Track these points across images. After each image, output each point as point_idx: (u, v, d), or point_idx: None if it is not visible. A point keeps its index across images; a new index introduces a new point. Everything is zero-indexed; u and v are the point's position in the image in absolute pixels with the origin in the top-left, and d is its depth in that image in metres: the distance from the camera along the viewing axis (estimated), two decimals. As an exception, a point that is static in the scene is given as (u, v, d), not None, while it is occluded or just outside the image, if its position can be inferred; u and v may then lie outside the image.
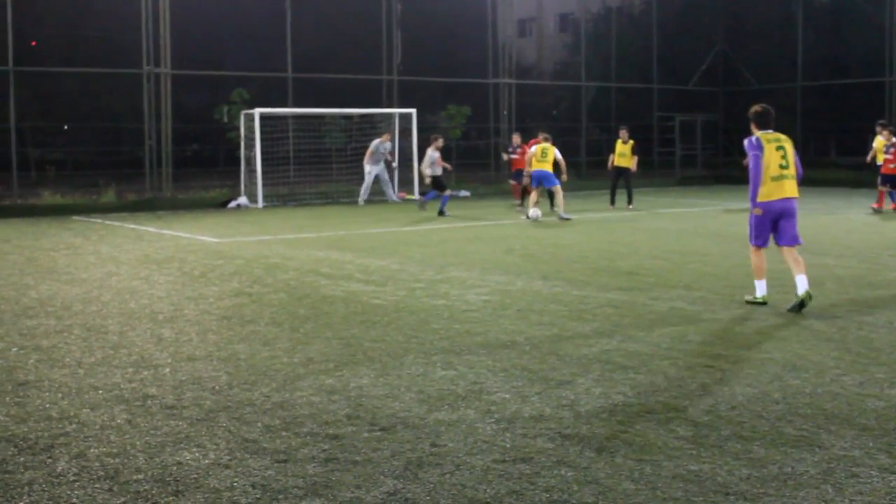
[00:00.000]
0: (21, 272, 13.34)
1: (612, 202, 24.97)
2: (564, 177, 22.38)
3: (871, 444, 5.59)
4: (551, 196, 22.25)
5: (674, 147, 39.62)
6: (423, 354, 7.96)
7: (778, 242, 10.20)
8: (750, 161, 9.95)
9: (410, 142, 29.22)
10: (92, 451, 5.59)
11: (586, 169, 36.96)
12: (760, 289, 10.31)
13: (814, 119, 38.52)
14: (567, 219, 20.81)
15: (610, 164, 25.48)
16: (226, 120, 28.21)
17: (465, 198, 30.07)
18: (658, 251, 15.28)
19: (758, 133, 10.09)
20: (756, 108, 10.32)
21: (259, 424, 6.06)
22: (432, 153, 23.37)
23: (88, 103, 33.88)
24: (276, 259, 14.44)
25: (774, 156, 10.00)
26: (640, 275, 12.59)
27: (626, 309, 10.04)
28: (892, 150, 21.65)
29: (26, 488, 5.01)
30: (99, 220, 22.25)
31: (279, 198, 27.41)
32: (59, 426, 6.06)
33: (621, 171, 24.96)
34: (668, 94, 39.77)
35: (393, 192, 28.00)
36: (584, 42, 38.35)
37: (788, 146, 10.16)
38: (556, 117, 42.50)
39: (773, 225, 10.13)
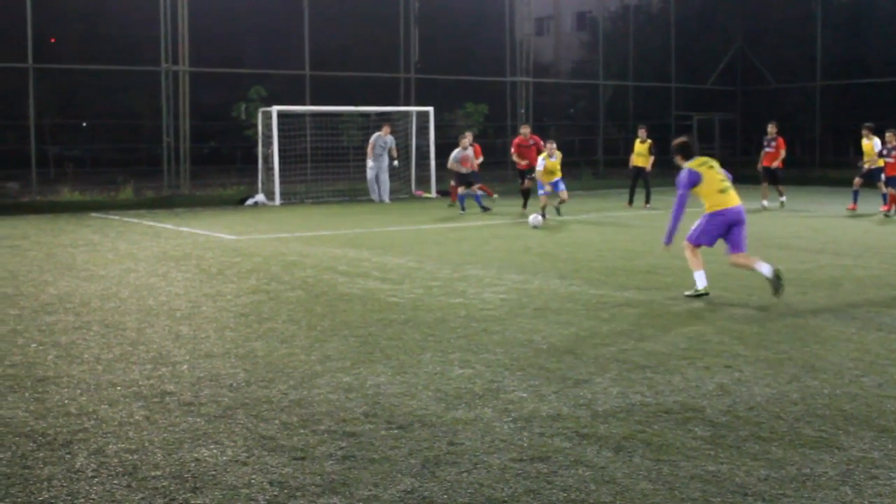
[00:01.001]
0: (40, 269, 13.40)
1: (630, 201, 24.93)
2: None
3: (890, 446, 5.56)
4: (526, 195, 22.79)
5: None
6: (441, 353, 7.96)
7: (730, 249, 10.77)
8: (677, 200, 10.78)
9: (427, 140, 29.22)
10: (110, 447, 5.61)
11: (604, 168, 36.91)
12: (701, 280, 10.79)
13: (833, 118, 38.35)
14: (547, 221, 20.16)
15: (631, 163, 25.50)
16: (243, 117, 28.28)
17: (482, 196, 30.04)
18: (676, 251, 15.20)
19: (687, 164, 10.77)
20: (678, 141, 11.09)
21: (276, 422, 6.07)
22: (457, 152, 23.48)
23: (107, 100, 34.02)
24: (294, 256, 14.46)
25: (711, 174, 10.74)
26: (658, 274, 12.57)
27: (643, 308, 10.02)
28: (894, 152, 21.23)
29: (45, 483, 5.04)
30: (117, 217, 22.33)
31: (296, 195, 27.45)
32: (78, 422, 6.09)
33: (639, 171, 24.96)
34: (685, 93, 39.65)
35: (386, 194, 27.75)
36: (601, 40, 38.25)
37: (716, 164, 10.92)
38: (574, 116, 42.45)
39: (726, 230, 10.71)
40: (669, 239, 10.94)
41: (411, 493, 4.90)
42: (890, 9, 37.57)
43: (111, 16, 31.93)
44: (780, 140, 24.21)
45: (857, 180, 22.78)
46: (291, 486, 4.98)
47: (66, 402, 6.56)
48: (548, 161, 20.90)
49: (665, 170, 34.51)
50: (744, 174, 36.15)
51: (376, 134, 27.14)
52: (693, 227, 10.97)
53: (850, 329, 8.89)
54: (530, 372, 7.30)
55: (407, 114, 30.06)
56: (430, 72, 33.58)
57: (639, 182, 25.01)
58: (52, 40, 31.58)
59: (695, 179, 10.68)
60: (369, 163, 27.04)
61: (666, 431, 5.84)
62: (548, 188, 20.88)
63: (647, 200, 24.65)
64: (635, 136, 25.50)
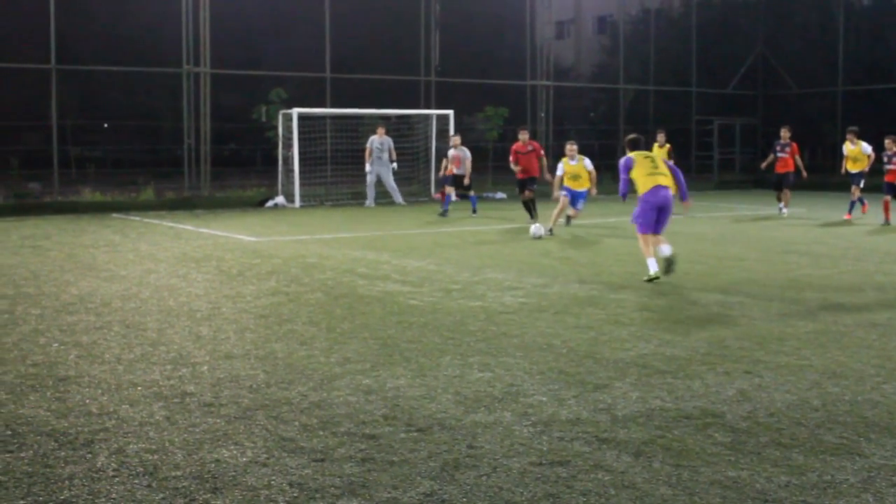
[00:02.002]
0: (61, 269, 13.47)
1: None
2: (594, 190, 19.14)
3: (912, 453, 5.53)
4: (527, 206, 20.82)
5: (712, 151, 39.41)
6: (460, 356, 7.96)
7: (655, 230, 12.43)
8: (621, 173, 12.77)
9: (447, 143, 29.22)
10: (131, 446, 5.63)
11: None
12: (653, 266, 12.22)
13: (854, 123, 38.06)
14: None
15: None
16: (264, 120, 28.35)
17: (501, 199, 30.08)
18: (695, 255, 15.20)
19: (631, 153, 12.82)
20: (629, 137, 13.41)
21: (296, 423, 6.08)
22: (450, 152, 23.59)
23: (128, 102, 34.22)
24: (313, 259, 14.49)
25: (644, 163, 12.66)
26: (678, 279, 12.52)
27: (663, 313, 9.99)
28: (895, 159, 20.50)
29: (67, 483, 5.06)
30: (138, 218, 22.43)
31: (316, 198, 27.50)
32: (99, 422, 6.12)
33: None
34: (706, 98, 39.54)
35: (398, 196, 27.70)
36: (622, 44, 38.18)
37: (657, 158, 12.93)
38: (594, 120, 42.39)
39: (657, 214, 12.36)
40: (623, 196, 13.02)
41: (430, 495, 4.90)
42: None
43: (133, 17, 32.12)
44: (794, 145, 23.48)
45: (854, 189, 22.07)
46: (311, 488, 4.99)
47: (88, 401, 6.59)
48: (567, 165, 18.61)
49: (685, 174, 34.43)
50: (764, 179, 35.87)
51: (371, 137, 27.04)
52: (634, 215, 12.58)
53: (871, 335, 8.84)
54: (549, 376, 7.29)
55: (427, 117, 30.07)
56: (451, 75, 33.61)
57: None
58: (76, 42, 31.73)
59: (629, 164, 12.64)
60: (367, 167, 26.82)
61: (686, 437, 5.82)
62: (560, 193, 18.64)
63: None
64: (654, 141, 25.42)
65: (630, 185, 12.66)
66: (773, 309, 10.29)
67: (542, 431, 5.92)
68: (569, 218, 19.62)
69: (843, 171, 22.76)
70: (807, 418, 6.20)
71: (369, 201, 27.04)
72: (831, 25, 38.03)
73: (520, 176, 21.30)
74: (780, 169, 23.55)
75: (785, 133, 23.65)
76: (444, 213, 23.13)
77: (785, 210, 23.28)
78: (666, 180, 12.56)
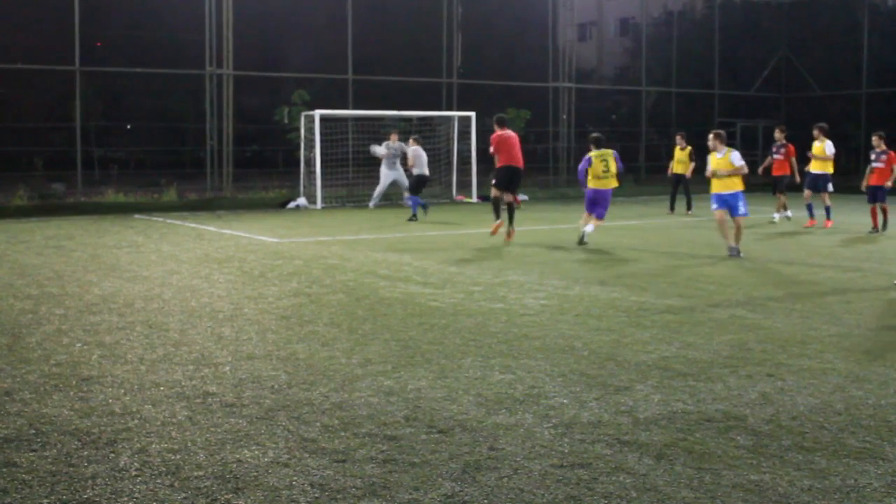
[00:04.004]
0: (85, 269, 13.55)
1: (672, 208, 24.82)
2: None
3: (936, 458, 5.49)
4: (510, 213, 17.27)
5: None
6: (481, 357, 7.96)
7: (590, 211, 17.11)
8: (580, 171, 17.20)
9: (469, 145, 29.24)
10: (153, 446, 5.66)
11: (645, 174, 36.74)
12: (588, 228, 16.83)
13: (879, 126, 37.71)
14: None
15: (670, 170, 25.35)
16: (286, 121, 28.43)
17: (522, 202, 30.05)
18: (717, 258, 15.14)
19: (593, 152, 16.95)
20: (593, 135, 17.67)
21: (318, 424, 6.10)
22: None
23: (151, 103, 34.39)
24: (335, 260, 14.52)
25: (599, 165, 17.00)
26: (700, 281, 12.48)
27: (685, 316, 9.96)
28: (883, 157, 19.21)
29: (90, 482, 5.09)
30: (160, 219, 22.53)
31: (338, 199, 27.55)
32: (122, 421, 6.15)
33: (680, 178, 24.80)
34: (729, 100, 39.41)
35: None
36: (644, 46, 38.09)
37: (610, 158, 17.09)
38: (616, 122, 42.31)
39: (593, 203, 17.03)
40: (585, 185, 17.21)
41: (451, 497, 4.90)
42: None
43: (157, 20, 32.30)
44: (791, 147, 22.01)
45: (806, 192, 20.78)
46: (332, 489, 5.00)
47: (110, 401, 6.62)
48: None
49: (700, 175, 34.33)
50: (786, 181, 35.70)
51: (385, 142, 26.78)
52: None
53: (895, 339, 8.78)
54: (571, 378, 7.27)
55: (449, 118, 30.09)
56: (473, 77, 33.64)
57: (679, 189, 24.88)
58: (98, 44, 31.92)
59: (586, 164, 16.99)
60: (384, 170, 26.35)
61: (708, 440, 5.80)
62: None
63: (689, 207, 24.54)
64: (674, 144, 25.34)
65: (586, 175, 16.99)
66: (796, 312, 10.23)
67: (563, 433, 5.92)
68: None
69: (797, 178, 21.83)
70: (830, 422, 6.17)
71: (375, 203, 26.83)
72: (855, 27, 37.83)
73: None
74: (775, 172, 22.23)
75: (779, 134, 22.34)
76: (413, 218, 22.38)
77: (777, 216, 22.01)
78: (610, 184, 17.15)
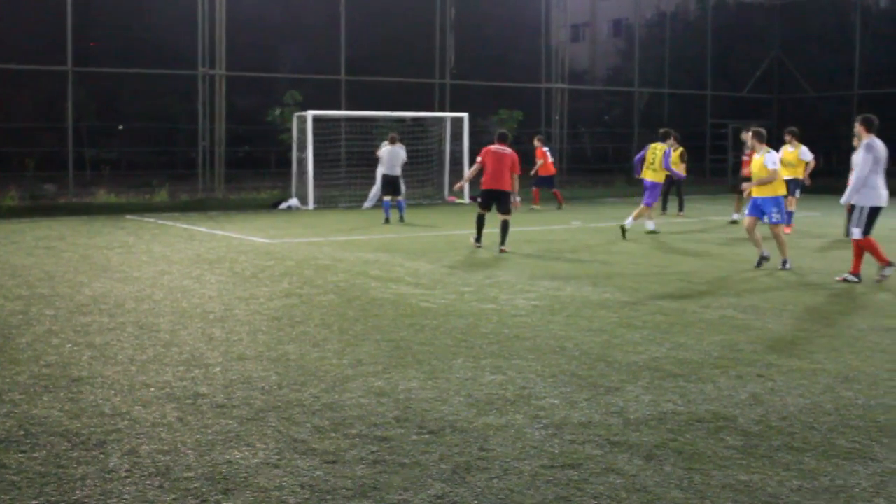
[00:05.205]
0: (76, 270, 13.52)
1: (664, 209, 24.82)
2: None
3: (925, 458, 5.51)
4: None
5: (726, 154, 39.29)
6: (472, 358, 7.96)
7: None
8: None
9: (461, 146, 29.24)
10: (143, 447, 5.65)
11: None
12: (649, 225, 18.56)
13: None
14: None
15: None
16: (279, 122, 28.39)
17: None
18: (708, 258, 15.17)
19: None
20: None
21: (308, 425, 6.09)
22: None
23: (144, 104, 34.32)
24: (327, 261, 14.51)
25: (649, 155, 18.51)
26: (691, 282, 12.51)
27: (676, 316, 9.97)
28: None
29: (79, 483, 5.08)
30: (152, 220, 22.50)
31: (330, 200, 27.53)
32: (112, 422, 6.14)
33: (672, 179, 24.75)
34: (721, 101, 39.45)
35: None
36: (637, 47, 38.13)
37: (659, 151, 18.17)
38: (608, 123, 42.35)
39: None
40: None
41: (441, 498, 4.90)
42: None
43: (149, 20, 32.23)
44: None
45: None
46: (322, 490, 5.00)
47: (100, 402, 6.61)
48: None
49: (699, 178, 34.39)
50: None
51: (384, 144, 26.40)
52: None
53: (885, 340, 8.81)
54: (562, 379, 7.28)
55: (441, 119, 30.08)
56: (465, 77, 33.62)
57: (672, 189, 24.87)
58: (92, 44, 31.86)
59: (643, 153, 18.64)
60: (381, 170, 25.81)
61: (698, 440, 5.81)
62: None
63: (681, 208, 24.56)
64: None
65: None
66: (786, 313, 10.26)
67: (553, 434, 5.92)
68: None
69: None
70: (819, 422, 6.18)
71: (371, 203, 26.70)
72: (848, 29, 37.89)
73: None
74: (744, 173, 20.76)
75: (746, 135, 21.93)
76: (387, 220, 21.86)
77: (736, 216, 21.64)
78: (648, 175, 18.93)
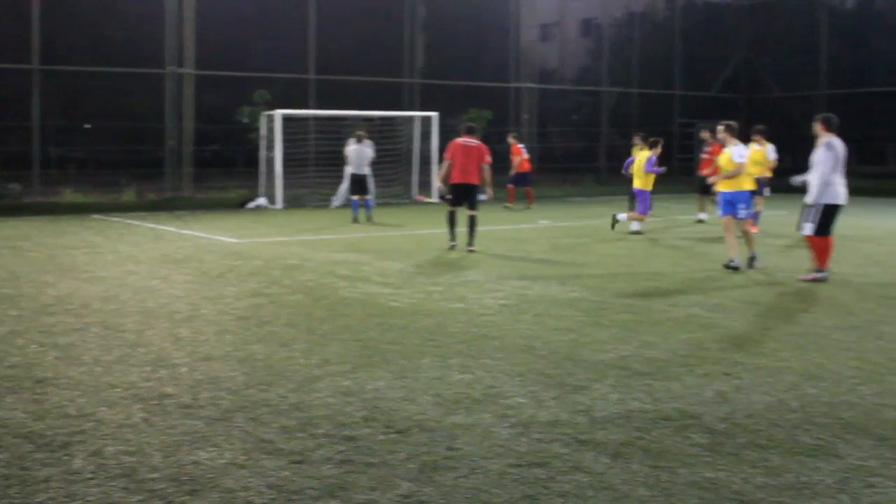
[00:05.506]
0: (41, 270, 13.41)
1: (631, 208, 24.85)
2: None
3: (887, 454, 5.56)
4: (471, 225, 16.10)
5: (694, 154, 39.49)
6: (440, 357, 7.96)
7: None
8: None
9: (430, 145, 29.22)
10: (108, 449, 5.61)
11: (606, 174, 36.90)
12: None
13: (837, 127, 38.29)
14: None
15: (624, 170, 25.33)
16: (247, 121, 28.26)
17: (483, 201, 30.05)
18: (676, 258, 15.25)
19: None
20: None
21: (275, 425, 6.07)
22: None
23: (111, 102, 34.01)
24: (295, 260, 14.47)
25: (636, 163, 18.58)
26: (658, 281, 12.56)
27: (643, 315, 10.01)
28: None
29: (43, 485, 5.03)
30: (118, 219, 22.35)
31: (298, 199, 27.44)
32: (77, 424, 6.09)
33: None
34: (689, 101, 39.63)
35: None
36: (606, 47, 38.25)
37: (641, 157, 17.62)
38: (577, 122, 42.46)
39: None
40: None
41: (408, 497, 4.90)
42: (894, 17, 37.57)
43: (117, 18, 31.95)
44: (717, 146, 20.57)
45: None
46: (289, 490, 4.98)
47: (65, 403, 6.56)
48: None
49: (666, 177, 34.40)
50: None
51: (350, 141, 26.12)
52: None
53: (849, 338, 8.88)
54: (529, 377, 7.29)
55: (411, 119, 30.06)
56: (435, 77, 33.61)
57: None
58: (59, 43, 31.59)
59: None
60: (348, 170, 25.47)
61: (664, 438, 5.84)
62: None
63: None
64: (632, 144, 25.25)
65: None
66: (752, 311, 10.33)
67: (521, 433, 5.93)
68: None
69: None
70: (784, 420, 6.23)
71: (340, 202, 26.58)
72: (814, 29, 38.18)
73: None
74: (702, 171, 21.26)
75: (705, 133, 22.27)
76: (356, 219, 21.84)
77: (703, 215, 21.91)
78: (635, 181, 18.73)
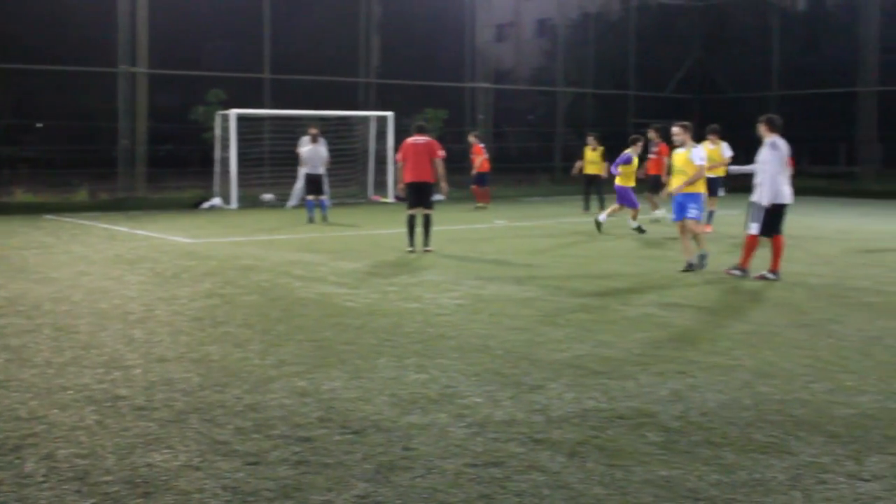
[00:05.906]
0: (-8, 271, 13.24)
1: (586, 208, 25.02)
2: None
3: (839, 451, 5.63)
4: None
5: (648, 153, 39.75)
6: (396, 357, 7.95)
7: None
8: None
9: (385, 145, 29.19)
10: (61, 451, 5.55)
11: (561, 174, 37.05)
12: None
13: (788, 128, 38.54)
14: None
15: (577, 170, 25.46)
16: (202, 121, 28.07)
17: (441, 201, 30.08)
18: (631, 257, 15.34)
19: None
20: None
21: (230, 426, 6.04)
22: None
23: (63, 101, 33.61)
24: (249, 260, 14.39)
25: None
26: (613, 281, 12.63)
27: (598, 314, 10.06)
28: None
29: (-6, 489, 4.97)
30: (71, 220, 22.11)
31: (253, 199, 27.30)
32: (28, 426, 6.02)
33: (592, 178, 24.96)
34: (643, 101, 39.89)
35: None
36: (561, 48, 38.42)
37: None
38: (532, 122, 42.59)
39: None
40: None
41: (365, 498, 4.89)
42: (845, 20, 38.07)
43: (69, 16, 31.59)
44: (663, 146, 21.34)
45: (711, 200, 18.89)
46: (244, 492, 4.95)
47: (16, 406, 6.48)
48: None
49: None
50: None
51: (304, 140, 25.75)
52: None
53: (801, 336, 8.98)
54: (485, 377, 7.31)
55: (366, 118, 30.01)
56: (390, 77, 33.57)
57: (591, 189, 25.09)
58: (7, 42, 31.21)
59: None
60: (302, 171, 24.03)
61: (619, 437, 5.87)
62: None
63: (602, 207, 24.75)
64: (585, 144, 25.38)
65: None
66: (706, 310, 10.42)
67: (477, 433, 5.94)
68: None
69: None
70: (737, 417, 6.29)
71: (294, 202, 26.46)
72: (766, 31, 38.58)
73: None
74: (649, 171, 22.51)
75: (653, 134, 22.63)
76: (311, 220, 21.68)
77: (658, 213, 22.06)
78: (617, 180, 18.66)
